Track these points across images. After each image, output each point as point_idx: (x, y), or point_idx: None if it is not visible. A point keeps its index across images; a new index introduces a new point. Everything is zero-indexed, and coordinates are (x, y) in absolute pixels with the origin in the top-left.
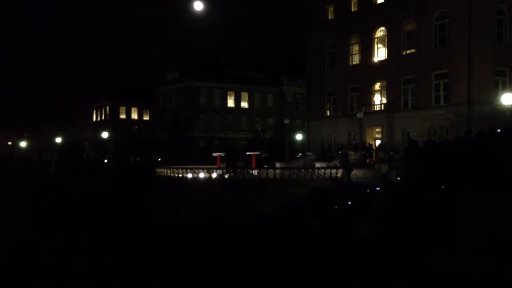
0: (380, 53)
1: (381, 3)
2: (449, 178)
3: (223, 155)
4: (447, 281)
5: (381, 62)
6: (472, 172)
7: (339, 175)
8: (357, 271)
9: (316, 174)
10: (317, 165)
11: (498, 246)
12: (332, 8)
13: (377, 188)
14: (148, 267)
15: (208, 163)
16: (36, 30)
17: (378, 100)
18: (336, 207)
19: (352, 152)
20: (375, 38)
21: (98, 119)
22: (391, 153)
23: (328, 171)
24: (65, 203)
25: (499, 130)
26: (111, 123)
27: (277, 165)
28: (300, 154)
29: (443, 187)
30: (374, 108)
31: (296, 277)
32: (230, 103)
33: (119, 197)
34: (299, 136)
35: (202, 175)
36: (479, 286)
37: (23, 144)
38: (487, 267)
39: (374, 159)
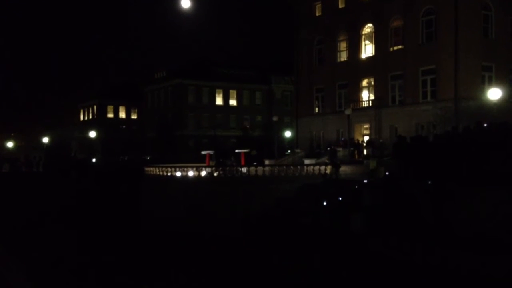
0: (368, 50)
1: (368, 0)
2: (436, 173)
3: (212, 153)
4: (432, 276)
5: (368, 58)
6: (458, 167)
7: (328, 171)
8: (349, 271)
9: (305, 171)
10: (306, 162)
11: (483, 240)
12: (320, 5)
13: (364, 181)
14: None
15: (197, 161)
16: (21, 29)
17: (366, 96)
18: (325, 203)
19: (340, 149)
20: (362, 34)
21: (86, 118)
22: (379, 144)
23: (317, 167)
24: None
25: (485, 125)
26: (98, 122)
27: (266, 162)
28: (289, 151)
29: (430, 182)
30: (362, 104)
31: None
32: (219, 101)
33: (108, 199)
34: (288, 133)
35: (191, 173)
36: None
37: (10, 144)
38: (472, 262)
39: (362, 155)
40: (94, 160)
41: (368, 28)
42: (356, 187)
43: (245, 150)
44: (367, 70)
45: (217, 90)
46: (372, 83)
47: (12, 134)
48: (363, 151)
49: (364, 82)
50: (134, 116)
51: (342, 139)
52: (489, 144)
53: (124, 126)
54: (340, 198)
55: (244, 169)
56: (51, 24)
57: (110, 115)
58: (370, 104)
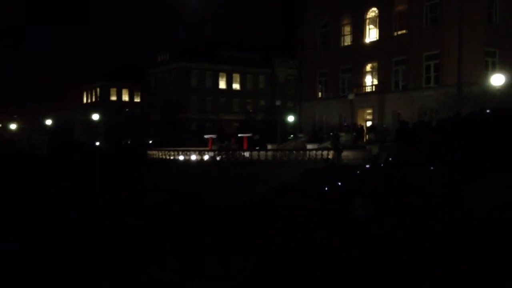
0: (372, 34)
1: None
2: (439, 158)
3: (214, 137)
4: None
5: (372, 43)
6: (461, 152)
7: (330, 156)
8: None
9: (307, 155)
10: (309, 146)
11: (485, 226)
12: None
13: (367, 166)
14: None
15: (200, 145)
16: (25, 11)
17: (370, 81)
18: (327, 188)
19: (343, 134)
20: (366, 19)
21: (89, 100)
22: (381, 129)
23: (319, 152)
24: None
25: (488, 111)
26: (102, 104)
27: (269, 147)
28: (291, 135)
29: (432, 167)
30: (365, 89)
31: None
32: (222, 84)
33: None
34: (290, 118)
35: (194, 157)
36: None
37: (13, 126)
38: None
39: (365, 140)
40: (97, 143)
41: (372, 12)
42: (358, 172)
43: (248, 135)
44: (371, 55)
45: (220, 74)
46: (376, 68)
47: (15, 116)
48: (365, 136)
49: (368, 67)
50: (137, 99)
51: (345, 124)
52: (493, 129)
53: (127, 109)
54: (342, 183)
55: (246, 154)
56: (56, 3)
57: (113, 98)
58: (373, 89)
